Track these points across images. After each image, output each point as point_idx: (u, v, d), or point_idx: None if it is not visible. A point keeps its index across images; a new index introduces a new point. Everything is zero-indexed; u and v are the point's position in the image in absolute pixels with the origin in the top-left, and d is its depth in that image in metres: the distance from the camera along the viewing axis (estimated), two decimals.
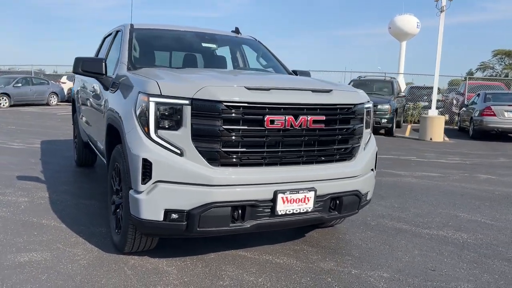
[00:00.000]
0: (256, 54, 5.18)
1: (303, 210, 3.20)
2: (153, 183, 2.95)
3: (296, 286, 3.10)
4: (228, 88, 3.07)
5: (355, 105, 3.46)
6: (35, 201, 4.93)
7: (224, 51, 5.15)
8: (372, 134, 3.89)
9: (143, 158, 2.95)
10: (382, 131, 14.14)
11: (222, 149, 2.99)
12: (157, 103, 2.96)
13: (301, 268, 3.39)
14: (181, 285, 3.03)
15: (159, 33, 4.81)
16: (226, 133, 2.98)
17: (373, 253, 3.76)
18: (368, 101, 3.74)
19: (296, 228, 4.23)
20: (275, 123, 3.07)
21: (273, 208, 3.09)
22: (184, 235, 3.14)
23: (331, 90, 3.37)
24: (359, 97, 3.57)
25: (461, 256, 3.77)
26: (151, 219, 2.99)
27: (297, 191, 3.15)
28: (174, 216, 2.98)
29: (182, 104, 2.94)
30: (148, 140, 2.99)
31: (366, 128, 3.72)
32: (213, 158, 2.99)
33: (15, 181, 5.81)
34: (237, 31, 5.31)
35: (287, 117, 3.09)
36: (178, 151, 2.97)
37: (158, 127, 2.98)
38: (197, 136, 2.96)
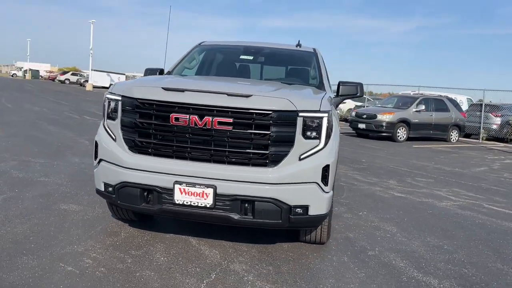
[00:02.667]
0: (309, 66, 5.25)
1: (202, 204, 3.42)
2: (99, 161, 3.80)
3: (180, 269, 3.37)
4: (146, 88, 3.63)
5: (276, 111, 3.38)
6: None
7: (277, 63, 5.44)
8: (326, 146, 3.57)
9: (95, 141, 3.85)
10: None
11: (138, 139, 3.58)
12: (108, 99, 3.80)
13: (208, 262, 3.56)
14: (104, 246, 3.75)
15: (217, 47, 5.56)
16: (140, 125, 3.56)
17: (303, 276, 3.49)
18: (317, 111, 3.51)
19: (269, 234, 4.23)
20: (180, 121, 3.43)
21: (172, 196, 3.46)
22: (118, 206, 3.84)
23: (250, 95, 3.42)
24: (288, 104, 3.42)
25: None
26: (99, 188, 3.84)
27: (193, 184, 3.40)
28: (109, 188, 3.74)
29: (117, 100, 3.69)
30: (102, 127, 3.86)
31: (311, 138, 3.51)
32: (132, 146, 3.61)
33: None
34: (298, 44, 5.47)
35: (191, 117, 3.41)
36: (114, 137, 3.72)
37: (108, 117, 3.80)
38: (123, 126, 3.64)
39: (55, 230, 4.03)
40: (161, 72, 5.14)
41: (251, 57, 5.35)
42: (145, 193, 3.56)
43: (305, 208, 3.52)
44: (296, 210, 3.49)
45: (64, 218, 4.37)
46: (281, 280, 3.34)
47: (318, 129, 3.54)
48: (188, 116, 3.41)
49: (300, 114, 3.46)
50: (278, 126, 3.42)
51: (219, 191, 3.39)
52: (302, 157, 3.49)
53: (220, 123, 3.39)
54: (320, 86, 4.73)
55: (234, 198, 3.40)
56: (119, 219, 4.43)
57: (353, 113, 17.88)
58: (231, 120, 3.39)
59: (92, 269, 3.27)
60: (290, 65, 5.43)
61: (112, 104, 3.74)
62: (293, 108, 3.44)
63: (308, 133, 3.51)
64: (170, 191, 3.46)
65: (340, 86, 4.85)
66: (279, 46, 5.56)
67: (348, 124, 18.35)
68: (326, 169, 3.55)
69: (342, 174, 8.14)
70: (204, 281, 3.22)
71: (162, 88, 3.54)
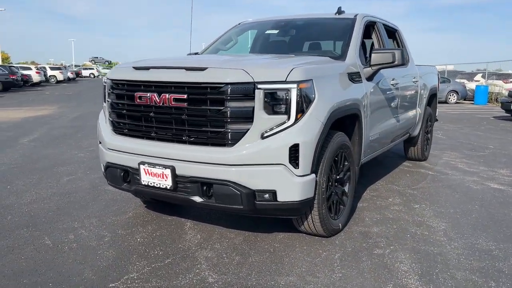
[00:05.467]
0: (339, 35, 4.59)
1: (163, 186, 3.28)
2: (99, 143, 3.97)
3: (143, 252, 3.30)
4: (121, 68, 3.61)
5: (229, 84, 3.02)
6: None
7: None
8: (298, 123, 3.05)
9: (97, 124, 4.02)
10: None
11: (116, 119, 3.62)
12: (104, 82, 3.92)
13: (179, 247, 3.40)
14: (100, 225, 3.90)
15: (254, 25, 5.27)
16: (116, 106, 3.59)
17: (264, 269, 3.07)
18: (282, 82, 3.04)
19: (274, 223, 3.83)
20: (142, 100, 3.34)
21: (140, 177, 3.40)
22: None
23: (205, 68, 3.12)
24: (243, 75, 3.01)
25: None
26: (102, 170, 4.02)
27: (154, 165, 3.29)
28: (105, 170, 3.87)
29: (105, 83, 3.78)
30: (102, 110, 4.01)
31: (276, 113, 3.05)
32: (114, 127, 3.66)
33: None
34: (339, 11, 4.79)
35: (151, 95, 3.28)
36: (105, 120, 3.83)
37: (104, 100, 3.92)
38: (110, 108, 3.71)
39: (78, 207, 4.36)
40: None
41: (277, 31, 4.97)
42: (123, 174, 3.58)
43: (272, 193, 3.09)
44: (263, 196, 3.09)
45: (96, 197, 4.69)
46: (234, 272, 3.00)
47: (285, 103, 3.06)
48: (148, 94, 3.30)
49: (259, 86, 3.03)
50: (233, 100, 3.06)
51: (178, 172, 3.21)
52: (265, 135, 3.07)
53: (175, 99, 3.20)
54: (341, 56, 4.09)
55: (193, 180, 3.18)
56: (145, 202, 4.54)
57: (506, 92, 15.14)
58: (185, 96, 3.16)
59: (65, 244, 3.44)
60: (319, 35, 4.82)
61: (106, 88, 3.85)
62: (249, 80, 3.03)
63: (272, 108, 3.06)
64: (138, 172, 3.41)
65: (372, 55, 4.12)
66: (315, 16, 5.00)
67: (500, 105, 15.59)
68: (295, 148, 3.05)
69: (443, 162, 6.96)
70: (152, 265, 3.09)
71: (133, 67, 3.49)
